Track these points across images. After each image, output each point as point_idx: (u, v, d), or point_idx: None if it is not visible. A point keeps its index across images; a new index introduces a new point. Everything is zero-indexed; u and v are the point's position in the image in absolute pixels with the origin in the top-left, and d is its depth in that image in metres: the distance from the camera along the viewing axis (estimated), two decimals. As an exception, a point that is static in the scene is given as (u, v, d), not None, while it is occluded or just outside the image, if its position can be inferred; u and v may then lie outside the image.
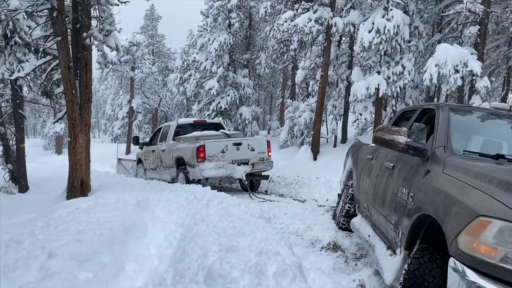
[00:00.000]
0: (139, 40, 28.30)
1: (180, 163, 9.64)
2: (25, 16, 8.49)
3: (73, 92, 7.21)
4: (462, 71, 11.14)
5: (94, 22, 7.10)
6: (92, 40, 6.82)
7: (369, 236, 4.10)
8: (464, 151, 3.14)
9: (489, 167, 2.55)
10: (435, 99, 18.04)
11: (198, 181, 8.98)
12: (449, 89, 11.76)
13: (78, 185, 7.69)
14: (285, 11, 17.07)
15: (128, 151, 29.93)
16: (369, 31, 12.78)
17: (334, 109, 17.54)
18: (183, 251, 3.61)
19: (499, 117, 3.66)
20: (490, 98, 14.23)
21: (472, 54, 11.64)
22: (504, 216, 1.96)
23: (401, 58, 13.17)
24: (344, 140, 18.47)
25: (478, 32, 12.72)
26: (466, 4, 12.17)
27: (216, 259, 3.14)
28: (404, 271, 2.58)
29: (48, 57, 8.26)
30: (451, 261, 2.16)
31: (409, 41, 13.33)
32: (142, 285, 3.30)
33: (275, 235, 3.98)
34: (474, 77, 11.75)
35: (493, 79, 18.63)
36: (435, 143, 3.20)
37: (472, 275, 2.00)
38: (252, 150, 9.47)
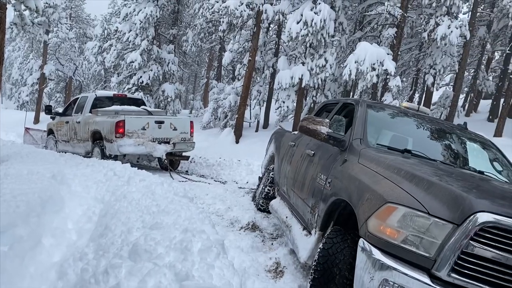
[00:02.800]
0: (57, 2, 26.12)
1: (96, 137, 9.25)
2: None
3: (-18, 52, 6.57)
4: (378, 69, 12.00)
5: (11, -22, 6.48)
6: (8, -3, 6.24)
7: (286, 217, 4.37)
8: (377, 144, 3.48)
9: (398, 160, 2.88)
10: (351, 94, 19.18)
11: (115, 157, 8.72)
12: (365, 85, 12.61)
13: (-18, 153, 7.07)
14: (217, -9, 16.90)
15: (36, 120, 27.78)
16: (297, 22, 13.17)
17: (258, 94, 17.89)
18: (105, 227, 3.57)
19: (408, 116, 4.09)
20: (400, 96, 15.48)
21: (388, 54, 12.56)
22: (408, 203, 2.27)
23: (324, 52, 13.79)
24: (265, 125, 18.97)
25: (395, 34, 13.73)
26: (387, 6, 13.05)
27: (141, 235, 3.17)
28: (318, 250, 2.84)
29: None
30: (361, 242, 2.43)
31: (333, 36, 13.99)
32: (60, 259, 3.22)
33: (199, 214, 4.08)
34: (388, 76, 12.72)
35: (404, 79, 20.24)
36: (352, 135, 3.50)
37: (377, 254, 2.28)
38: (175, 129, 9.38)
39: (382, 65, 12.00)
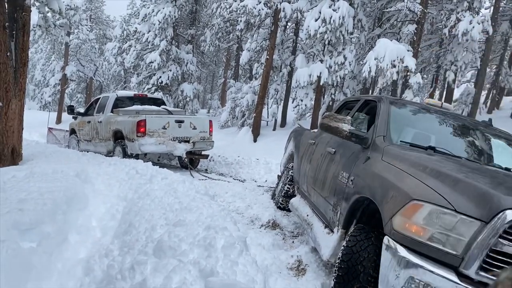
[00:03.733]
0: (77, 4, 26.62)
1: (118, 136, 9.40)
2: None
3: (8, 54, 6.71)
4: (398, 66, 11.84)
5: (36, -19, 6.64)
6: (33, 0, 6.37)
7: (307, 215, 4.36)
8: (401, 141, 3.44)
9: (422, 157, 2.84)
10: (371, 91, 18.99)
11: (136, 156, 8.84)
12: (385, 82, 12.47)
13: (9, 153, 7.24)
14: (234, -10, 16.91)
15: (59, 121, 28.36)
16: (315, 20, 13.11)
17: (276, 93, 17.86)
18: (129, 224, 3.62)
19: (432, 112, 4.03)
20: (420, 93, 15.26)
21: (408, 51, 12.38)
22: (434, 200, 2.24)
23: (343, 49, 13.69)
24: (283, 124, 18.92)
25: (415, 31, 13.52)
26: (407, 3, 12.87)
27: (164, 232, 3.21)
28: (342, 247, 2.83)
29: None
30: (386, 239, 2.41)
31: (352, 33, 13.87)
32: (86, 255, 3.29)
33: (221, 211, 4.11)
34: (408, 73, 12.54)
35: (424, 76, 19.93)
36: (375, 132, 3.47)
37: (403, 251, 2.26)
38: (194, 128, 9.46)
39: (402, 62, 11.85)
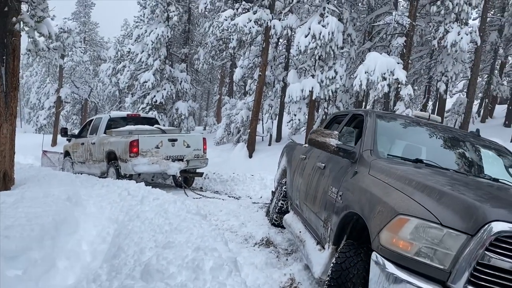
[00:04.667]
0: (71, 27, 26.79)
1: (111, 157, 9.36)
2: None
3: (-2, 79, 6.74)
4: (389, 79, 11.93)
5: (24, 7, 6.66)
6: (22, 25, 6.41)
7: (300, 232, 4.32)
8: (388, 155, 3.43)
9: (409, 170, 2.83)
10: (364, 104, 19.09)
11: (130, 177, 8.80)
12: (376, 95, 12.54)
13: (1, 177, 7.19)
14: (225, 9, 17.10)
15: (54, 143, 28.28)
16: (306, 36, 13.23)
17: (270, 108, 17.92)
18: (118, 247, 3.58)
19: (419, 125, 4.03)
20: (413, 105, 15.35)
21: (398, 63, 12.49)
22: (420, 215, 2.22)
23: (334, 63, 13.79)
24: (278, 139, 18.95)
25: (405, 43, 13.67)
26: (395, 16, 13.04)
27: (153, 255, 3.16)
28: (332, 264, 2.79)
29: (-31, 40, 7.61)
30: (373, 255, 2.38)
31: (342, 48, 14.00)
32: (75, 281, 3.23)
33: (212, 231, 4.06)
34: (399, 85, 12.62)
35: (416, 87, 20.09)
36: (362, 146, 3.47)
37: (391, 267, 2.23)
38: (188, 146, 9.44)
39: (393, 74, 11.93)
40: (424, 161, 3.24)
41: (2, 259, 2.95)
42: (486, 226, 2.00)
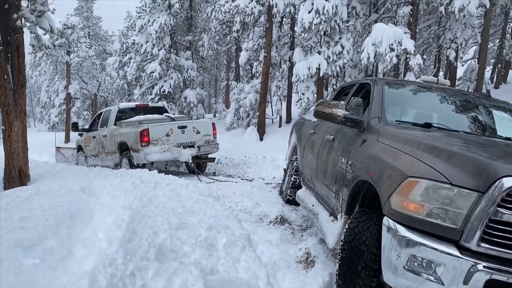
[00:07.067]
0: (74, 22, 26.78)
1: (123, 148, 9.43)
2: None
3: (5, 77, 6.78)
4: (397, 49, 11.71)
5: (24, 3, 6.67)
6: (23, 21, 6.42)
7: (313, 205, 4.31)
8: (397, 121, 3.37)
9: (417, 134, 2.78)
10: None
11: (143, 166, 8.86)
12: (385, 67, 12.32)
13: (16, 175, 7.32)
14: (226, -8, 16.89)
15: (67, 139, 28.59)
16: (309, 12, 13.01)
17: (278, 90, 17.79)
18: (132, 232, 3.62)
19: (428, 89, 3.95)
20: (423, 75, 15.09)
21: (405, 33, 12.23)
22: (429, 176, 2.18)
23: (340, 38, 13.57)
24: (288, 120, 18.85)
25: (411, 12, 13.36)
26: (399, -15, 12.72)
27: (167, 237, 3.19)
28: (345, 230, 2.78)
29: (-27, 40, 7.67)
30: (385, 220, 2.36)
31: (347, 21, 13.75)
32: (92, 267, 3.28)
33: (224, 211, 4.08)
34: (408, 55, 12.37)
35: (425, 57, 19.69)
36: (370, 114, 3.41)
37: (402, 231, 2.21)
38: (198, 132, 9.46)
39: (401, 45, 11.70)
40: (434, 125, 3.17)
41: (20, 249, 3.00)
42: (497, 182, 1.96)
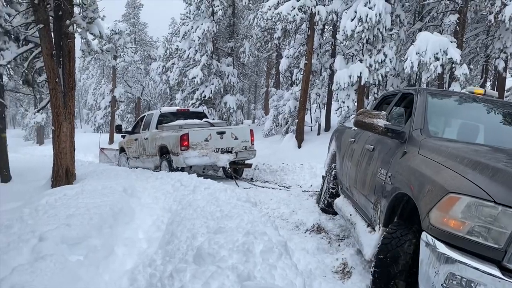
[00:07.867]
0: (121, 28, 27.86)
1: (164, 151, 9.70)
2: (4, 3, 8.36)
3: (57, 80, 7.17)
4: (442, 58, 11.37)
5: (77, 10, 7.03)
6: (75, 27, 6.77)
7: (350, 215, 4.27)
8: (440, 133, 3.30)
9: (461, 148, 2.71)
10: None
11: (182, 169, 9.07)
12: (429, 77, 12.00)
13: (63, 173, 7.69)
14: (269, -1, 17.03)
15: (111, 141, 29.65)
16: (352, 20, 12.89)
17: (317, 97, 17.69)
18: (171, 234, 3.72)
19: (474, 101, 3.83)
20: (469, 86, 14.55)
21: (451, 42, 11.87)
22: (471, 192, 2.12)
23: (382, 46, 13.34)
24: (327, 128, 18.69)
25: (458, 21, 12.96)
26: (446, -7, 12.38)
27: (205, 240, 3.26)
28: (378, 244, 2.75)
29: (30, 45, 8.16)
30: (424, 235, 2.31)
31: (390, 29, 13.51)
32: (132, 267, 3.40)
33: (262, 217, 4.12)
34: (453, 65, 12.00)
35: (472, 67, 18.99)
36: (412, 125, 3.35)
37: (442, 247, 2.15)
38: (236, 138, 9.58)
39: (446, 54, 11.36)
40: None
41: (65, 246, 3.17)
42: (545, 202, 1.88)
